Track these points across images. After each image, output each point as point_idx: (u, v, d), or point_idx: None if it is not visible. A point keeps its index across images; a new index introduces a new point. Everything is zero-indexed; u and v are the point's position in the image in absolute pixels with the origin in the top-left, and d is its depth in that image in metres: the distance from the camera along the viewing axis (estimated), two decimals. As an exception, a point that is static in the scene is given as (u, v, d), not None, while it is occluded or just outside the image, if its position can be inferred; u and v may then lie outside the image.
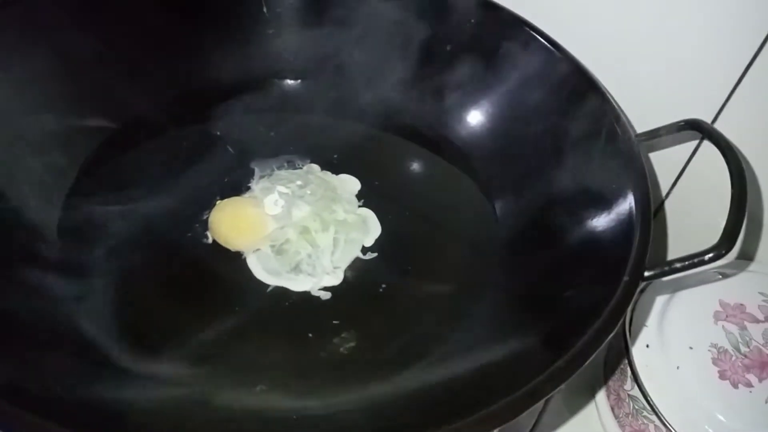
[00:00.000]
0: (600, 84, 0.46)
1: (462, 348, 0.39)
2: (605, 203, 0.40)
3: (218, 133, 0.53)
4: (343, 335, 0.42)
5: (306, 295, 0.45)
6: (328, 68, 0.56)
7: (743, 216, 0.35)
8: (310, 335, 0.42)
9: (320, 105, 0.57)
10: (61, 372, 0.32)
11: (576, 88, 0.46)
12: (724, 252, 0.34)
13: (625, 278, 0.33)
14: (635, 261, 0.34)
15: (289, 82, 0.58)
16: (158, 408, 0.32)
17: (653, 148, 0.50)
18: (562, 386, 0.30)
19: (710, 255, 0.34)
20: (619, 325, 0.32)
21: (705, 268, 0.35)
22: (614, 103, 0.44)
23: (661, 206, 0.57)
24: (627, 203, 0.38)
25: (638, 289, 0.34)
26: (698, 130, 0.41)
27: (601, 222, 0.40)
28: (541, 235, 0.45)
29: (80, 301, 0.38)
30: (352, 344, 0.41)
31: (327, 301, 0.45)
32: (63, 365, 0.33)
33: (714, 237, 0.35)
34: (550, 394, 0.29)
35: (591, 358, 0.31)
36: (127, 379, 0.35)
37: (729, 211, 0.35)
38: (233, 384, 0.37)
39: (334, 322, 0.43)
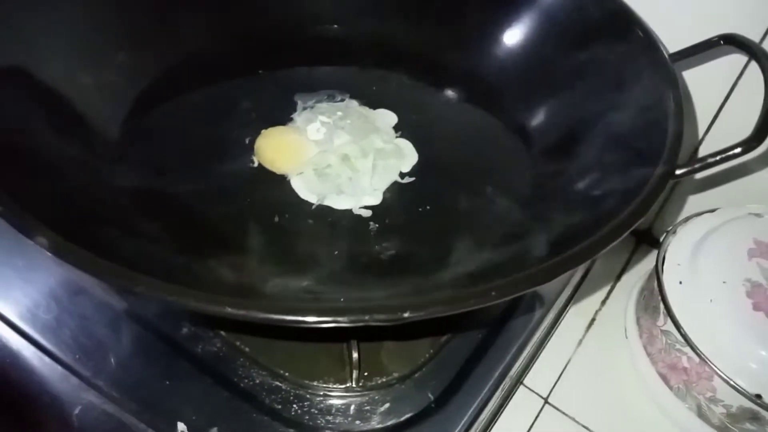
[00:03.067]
0: (628, 6, 0.47)
1: (497, 251, 0.41)
2: (638, 108, 0.41)
3: (261, 71, 0.56)
4: (383, 244, 0.44)
5: (348, 213, 0.47)
6: (364, 13, 0.58)
7: (775, 112, 0.35)
8: (351, 244, 0.45)
9: (358, 49, 0.59)
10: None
11: (602, 6, 0.48)
12: (755, 145, 0.34)
13: (658, 170, 0.34)
14: (668, 154, 0.35)
15: (329, 27, 0.60)
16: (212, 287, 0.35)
17: (689, 67, 0.51)
18: (602, 253, 0.31)
19: (741, 148, 0.34)
20: (648, 211, 0.33)
21: (734, 162, 0.35)
22: (638, 17, 0.46)
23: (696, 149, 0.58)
24: (659, 103, 0.39)
25: (670, 186, 0.35)
26: (733, 44, 0.42)
27: (634, 125, 0.41)
28: (574, 146, 0.46)
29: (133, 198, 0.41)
30: (392, 252, 0.43)
31: (368, 217, 0.47)
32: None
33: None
34: (585, 263, 0.30)
35: (620, 239, 0.32)
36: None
37: (762, 107, 0.35)
38: (282, 276, 0.39)
39: (374, 234, 0.45)
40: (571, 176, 0.44)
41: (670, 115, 0.38)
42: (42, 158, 0.39)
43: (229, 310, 0.27)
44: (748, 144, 0.35)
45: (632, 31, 0.45)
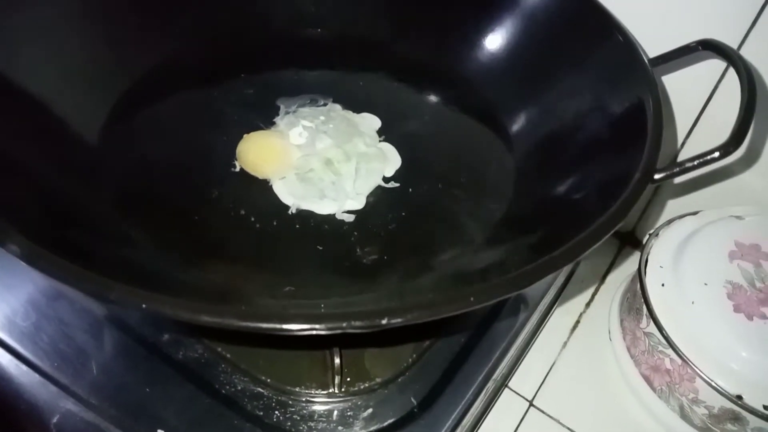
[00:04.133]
0: (603, 6, 0.48)
1: (478, 256, 0.41)
2: (617, 112, 0.41)
3: (243, 75, 0.56)
4: (366, 249, 0.44)
5: (331, 217, 0.47)
6: (348, 17, 0.58)
7: (751, 117, 0.36)
8: (334, 248, 0.44)
9: (342, 52, 0.59)
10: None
11: (582, 11, 0.49)
12: (732, 149, 0.35)
13: (637, 174, 0.35)
14: (647, 159, 0.35)
15: (312, 30, 0.60)
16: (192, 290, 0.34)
17: (668, 72, 0.51)
18: (583, 256, 0.31)
19: (719, 153, 0.35)
20: (627, 215, 0.33)
21: (714, 166, 0.35)
22: (617, 21, 0.46)
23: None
24: (638, 107, 0.39)
25: (647, 190, 0.35)
26: (710, 49, 0.43)
27: (614, 129, 0.41)
28: (554, 150, 0.46)
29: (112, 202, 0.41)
30: (374, 257, 0.43)
31: (350, 222, 0.47)
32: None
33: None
34: (566, 266, 0.30)
35: (600, 242, 0.32)
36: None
37: (739, 111, 0.36)
38: (264, 281, 0.39)
39: (357, 239, 0.45)
40: (552, 180, 0.44)
41: (649, 120, 0.38)
42: (19, 163, 0.39)
43: (204, 318, 0.27)
44: (726, 148, 0.35)
45: (612, 36, 0.45)
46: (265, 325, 0.27)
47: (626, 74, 0.43)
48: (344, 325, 0.27)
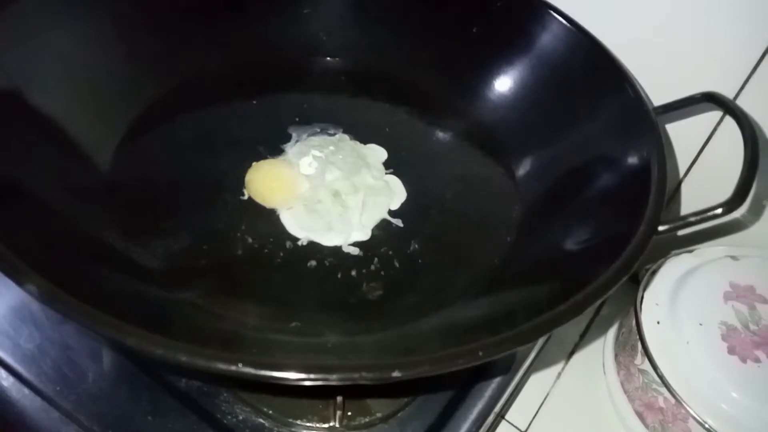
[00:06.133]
0: (616, 58, 0.49)
1: (482, 301, 0.41)
2: (623, 165, 0.42)
3: (255, 101, 0.57)
4: (371, 284, 0.45)
5: (337, 249, 0.48)
6: (360, 47, 0.59)
7: (754, 174, 0.37)
8: (340, 283, 0.45)
9: (353, 82, 0.60)
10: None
11: (594, 63, 0.49)
12: (735, 206, 0.36)
13: (642, 229, 0.35)
14: (651, 214, 0.36)
15: (325, 59, 0.61)
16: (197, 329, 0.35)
17: (671, 121, 0.52)
18: (579, 316, 0.31)
19: (722, 209, 0.36)
20: (632, 269, 0.34)
21: (717, 222, 0.36)
22: (629, 75, 0.47)
23: (677, 188, 0.59)
24: (644, 162, 0.40)
25: (651, 242, 0.36)
26: (713, 101, 0.44)
27: (619, 181, 0.42)
28: (560, 198, 0.47)
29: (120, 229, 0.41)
30: (380, 293, 0.44)
31: (356, 255, 0.47)
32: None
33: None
34: (578, 315, 0.31)
35: (606, 296, 0.33)
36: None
37: (741, 168, 0.37)
38: (270, 316, 0.39)
39: (363, 272, 0.46)
40: (557, 228, 0.45)
41: (654, 175, 0.39)
42: (31, 191, 0.39)
43: (219, 365, 0.27)
44: (729, 205, 0.36)
45: (623, 90, 0.46)
46: (277, 375, 0.27)
47: (634, 129, 0.44)
48: (356, 376, 0.27)
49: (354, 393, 0.42)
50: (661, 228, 0.37)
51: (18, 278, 0.29)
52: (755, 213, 0.56)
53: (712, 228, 0.59)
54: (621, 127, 0.45)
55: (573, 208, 0.45)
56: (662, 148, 0.40)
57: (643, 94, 0.45)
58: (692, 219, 0.37)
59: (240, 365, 0.28)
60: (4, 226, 0.32)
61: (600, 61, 0.49)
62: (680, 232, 0.59)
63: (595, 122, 0.48)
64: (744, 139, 0.38)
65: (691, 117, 0.51)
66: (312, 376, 0.28)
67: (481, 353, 0.29)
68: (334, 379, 0.27)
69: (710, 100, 0.44)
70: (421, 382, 0.45)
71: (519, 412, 0.55)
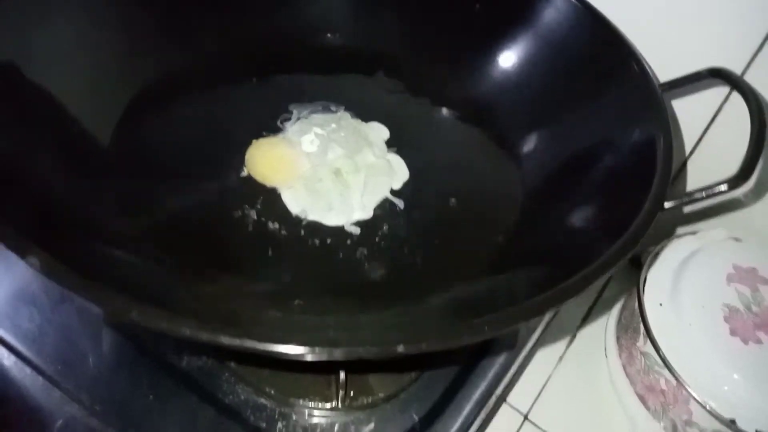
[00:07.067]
0: (622, 34, 0.48)
1: (484, 280, 0.41)
2: (629, 142, 0.42)
3: (254, 79, 0.56)
4: (373, 264, 0.44)
5: (338, 229, 0.47)
6: (361, 27, 0.59)
7: (761, 151, 0.36)
8: (342, 262, 0.45)
9: (353, 59, 0.59)
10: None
11: (599, 39, 0.49)
12: (740, 183, 0.36)
13: (647, 205, 0.35)
14: (657, 191, 0.36)
15: (325, 36, 0.60)
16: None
17: (677, 97, 0.52)
18: (586, 290, 0.31)
19: (727, 185, 0.36)
20: (637, 245, 0.34)
21: (721, 199, 0.36)
22: (635, 50, 0.46)
23: (683, 167, 0.59)
24: (650, 138, 0.40)
25: (655, 221, 0.36)
26: (720, 77, 0.43)
27: (624, 158, 0.42)
28: (564, 176, 0.47)
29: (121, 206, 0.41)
30: (381, 272, 0.44)
31: (358, 235, 0.47)
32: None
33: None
34: (577, 296, 0.31)
35: (611, 271, 0.33)
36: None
37: (748, 144, 0.37)
38: (271, 296, 0.39)
39: (364, 254, 0.45)
40: (561, 206, 0.44)
41: (660, 152, 0.39)
42: (32, 167, 0.39)
43: (223, 340, 0.27)
44: (735, 182, 0.36)
45: (628, 65, 0.46)
46: (282, 349, 0.27)
47: (640, 105, 0.43)
48: (361, 351, 0.27)
49: (356, 369, 0.42)
50: (667, 204, 0.37)
51: (21, 252, 0.28)
52: (758, 195, 0.56)
53: (715, 210, 0.59)
54: (627, 104, 0.45)
55: (578, 186, 0.45)
56: (668, 124, 0.40)
57: (649, 70, 0.45)
58: (697, 195, 0.37)
59: (245, 339, 0.27)
60: (7, 201, 0.31)
61: (605, 36, 0.48)
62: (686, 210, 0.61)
63: (601, 99, 0.47)
64: (751, 114, 0.38)
65: (696, 94, 0.51)
66: (317, 350, 0.27)
67: (486, 328, 0.28)
68: (338, 354, 0.27)
69: (717, 75, 0.44)
70: (423, 362, 0.45)
71: (520, 395, 0.55)
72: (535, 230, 0.45)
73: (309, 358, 0.27)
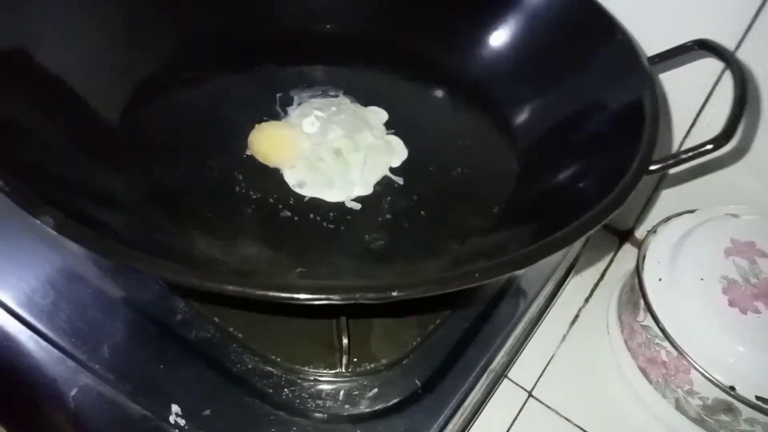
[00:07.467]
0: (604, 7, 0.50)
1: (481, 242, 0.42)
2: (617, 107, 0.43)
3: (257, 68, 0.59)
4: (373, 235, 0.46)
5: (339, 205, 0.49)
6: (357, 14, 0.61)
7: (742, 112, 0.38)
8: (343, 234, 0.46)
9: (351, 48, 0.61)
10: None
11: (584, 12, 0.51)
12: (723, 142, 0.37)
13: (634, 165, 0.36)
14: (644, 151, 0.37)
15: (323, 26, 0.62)
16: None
17: (668, 69, 0.53)
18: (582, 238, 0.32)
19: (712, 146, 0.37)
20: (623, 204, 0.35)
21: (712, 162, 0.37)
22: (618, 22, 0.48)
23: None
24: (637, 103, 0.41)
25: (641, 181, 0.37)
26: (705, 48, 0.45)
27: (613, 123, 0.43)
28: (555, 143, 0.48)
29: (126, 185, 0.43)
30: (382, 242, 0.45)
31: (358, 210, 0.49)
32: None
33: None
34: (566, 247, 0.32)
35: (598, 226, 0.34)
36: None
37: (731, 106, 0.38)
38: (276, 263, 0.40)
39: (365, 225, 0.47)
40: (553, 171, 0.46)
41: (647, 114, 0.40)
42: (44, 141, 0.41)
43: (229, 287, 0.28)
44: (718, 141, 0.37)
45: (613, 35, 0.47)
46: (283, 295, 0.28)
47: (626, 71, 0.45)
48: (357, 296, 0.28)
49: (360, 333, 0.43)
50: (652, 167, 0.38)
51: (35, 211, 0.30)
52: (756, 174, 0.56)
53: (713, 190, 0.60)
54: (614, 71, 0.46)
55: (569, 152, 0.46)
56: (654, 88, 0.41)
57: (632, 38, 0.46)
58: (683, 156, 0.38)
59: (246, 287, 0.29)
60: (21, 168, 0.33)
61: (589, 10, 0.50)
62: (683, 197, 0.62)
63: (589, 69, 0.49)
64: (734, 78, 0.40)
65: (688, 71, 0.52)
66: (317, 296, 0.29)
67: (477, 275, 0.30)
68: (336, 299, 0.28)
69: (702, 47, 0.45)
70: (426, 328, 0.46)
71: (524, 372, 0.56)
72: (529, 195, 0.46)
73: (310, 302, 0.29)
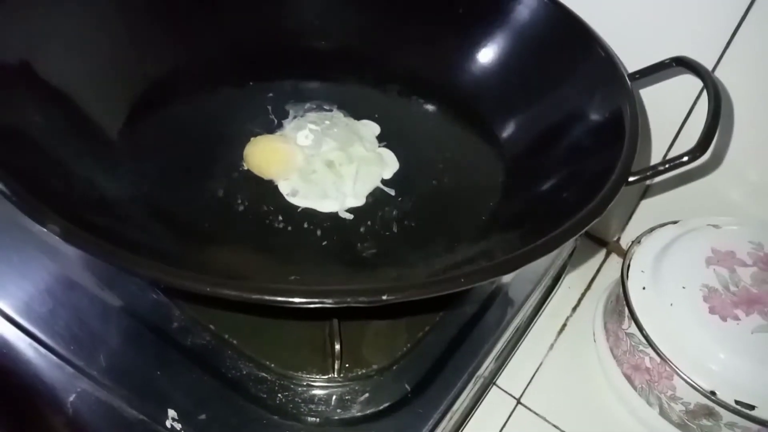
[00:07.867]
0: (586, 24, 0.52)
1: (468, 250, 0.44)
2: (598, 120, 0.45)
3: (251, 83, 0.60)
4: (365, 244, 0.47)
5: (332, 215, 0.50)
6: (350, 30, 0.63)
7: (716, 125, 0.40)
8: (336, 243, 0.48)
9: (343, 64, 0.63)
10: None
11: (567, 30, 0.53)
12: (698, 154, 0.39)
13: (614, 177, 0.38)
14: (623, 162, 0.39)
15: (316, 43, 0.64)
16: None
17: (647, 85, 0.55)
18: (562, 246, 0.34)
19: (688, 157, 0.38)
20: (602, 214, 0.37)
21: (683, 170, 0.39)
22: (599, 37, 0.51)
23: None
24: (617, 116, 0.43)
25: (619, 193, 0.39)
26: (682, 65, 0.47)
27: (594, 136, 0.45)
28: (539, 155, 0.50)
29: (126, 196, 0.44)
30: (373, 251, 0.47)
31: (351, 220, 0.50)
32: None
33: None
34: (548, 254, 0.34)
35: (578, 234, 0.36)
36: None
37: (706, 119, 0.40)
38: (270, 271, 0.42)
39: (357, 234, 0.49)
40: (538, 181, 0.48)
41: (627, 127, 0.42)
42: (46, 152, 0.42)
43: (227, 291, 0.30)
44: (693, 153, 0.39)
45: (594, 51, 0.49)
46: (278, 298, 0.30)
47: (606, 86, 0.47)
48: (349, 300, 0.30)
49: (352, 339, 0.44)
50: (631, 178, 0.40)
51: (42, 219, 0.31)
52: (736, 185, 0.58)
53: (696, 203, 0.61)
54: (595, 86, 0.48)
55: (552, 163, 0.48)
56: (634, 102, 0.43)
57: (614, 55, 0.48)
58: (661, 168, 0.39)
59: (243, 291, 0.30)
60: (27, 177, 0.35)
61: (572, 28, 0.52)
62: (666, 209, 0.63)
63: (572, 84, 0.51)
64: (708, 93, 0.41)
65: (669, 88, 0.54)
66: (311, 299, 0.30)
67: (462, 280, 0.31)
68: (329, 302, 0.30)
69: (680, 63, 0.48)
70: (416, 333, 0.48)
71: (513, 380, 0.57)
72: (515, 205, 0.48)
73: (304, 305, 0.30)
